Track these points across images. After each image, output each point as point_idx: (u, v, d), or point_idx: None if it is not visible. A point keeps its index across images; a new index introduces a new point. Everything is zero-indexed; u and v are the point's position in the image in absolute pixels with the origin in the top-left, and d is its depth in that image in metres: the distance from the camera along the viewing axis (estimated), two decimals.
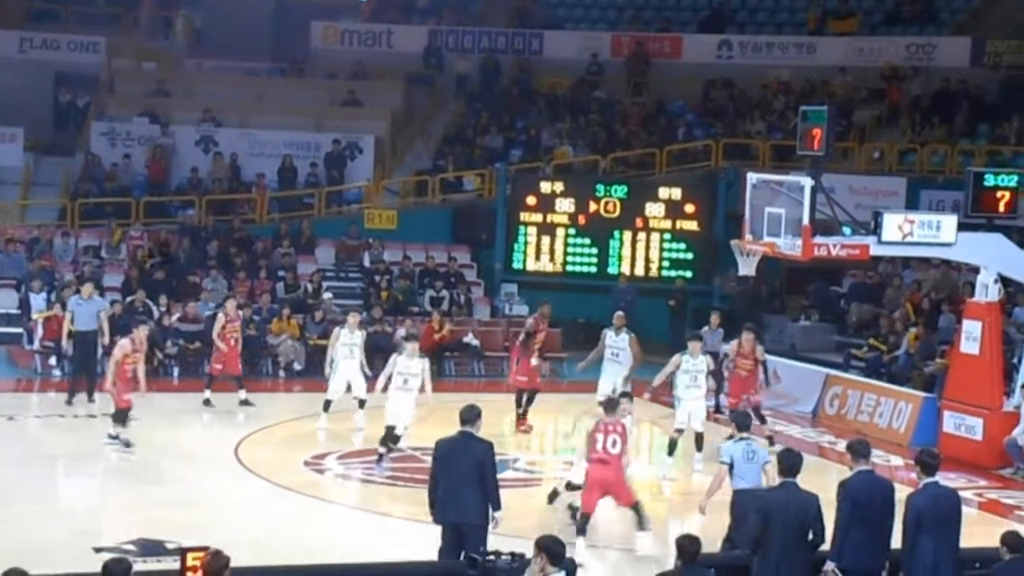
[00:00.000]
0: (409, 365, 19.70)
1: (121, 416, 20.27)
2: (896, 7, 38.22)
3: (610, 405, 16.62)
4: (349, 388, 22.36)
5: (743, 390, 21.89)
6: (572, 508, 16.66)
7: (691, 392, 20.13)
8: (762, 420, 21.97)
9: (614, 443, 15.99)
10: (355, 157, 35.17)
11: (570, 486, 16.99)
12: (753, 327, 23.11)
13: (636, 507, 16.19)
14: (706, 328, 24.43)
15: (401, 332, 23.33)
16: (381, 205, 33.90)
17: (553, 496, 17.28)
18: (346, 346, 22.40)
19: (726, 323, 26.93)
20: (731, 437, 15.69)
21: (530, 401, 22.92)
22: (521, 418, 22.80)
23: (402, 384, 19.71)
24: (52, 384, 25.43)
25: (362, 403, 22.25)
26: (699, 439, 20.47)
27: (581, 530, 15.99)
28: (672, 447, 20.31)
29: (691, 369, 20.24)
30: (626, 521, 16.79)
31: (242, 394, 23.91)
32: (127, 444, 20.18)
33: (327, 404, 22.41)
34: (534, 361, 22.92)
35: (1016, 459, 21.29)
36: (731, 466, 14.61)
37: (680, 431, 20.30)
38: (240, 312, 24.85)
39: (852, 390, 25.07)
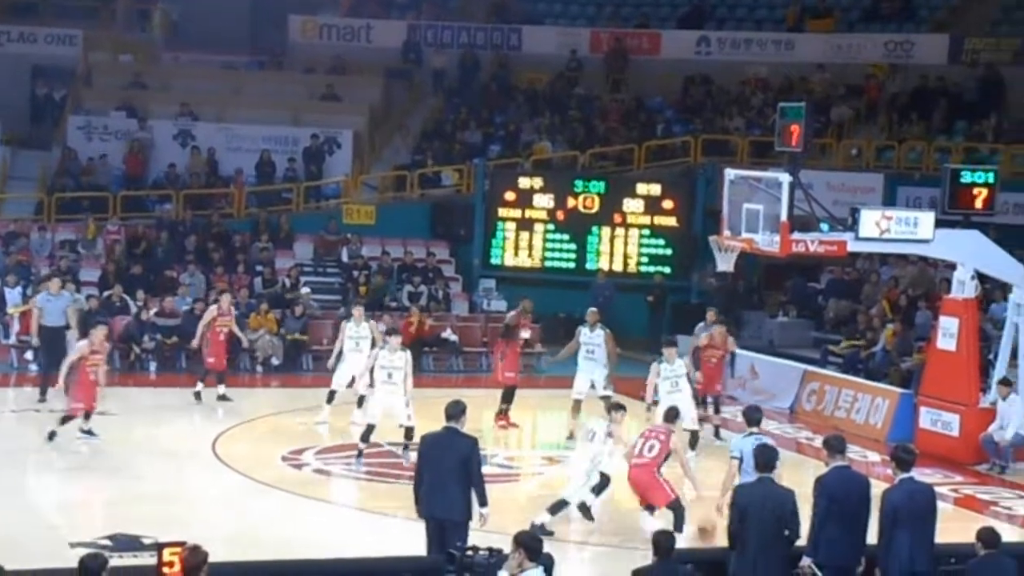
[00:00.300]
0: (392, 359, 19.61)
1: (66, 420, 20.07)
2: (874, 4, 38.31)
3: (669, 415, 17.20)
4: (352, 383, 22.09)
5: (709, 379, 22.16)
6: (584, 507, 16.83)
7: (674, 396, 20.02)
8: (716, 410, 22.23)
9: (651, 448, 16.22)
10: (333, 152, 35.13)
11: (583, 507, 16.93)
12: (725, 320, 23.50)
13: (673, 506, 16.16)
14: (701, 324, 24.39)
15: (382, 327, 23.18)
16: (359, 200, 33.84)
17: (586, 511, 17.08)
18: (352, 339, 22.32)
19: (702, 319, 27.02)
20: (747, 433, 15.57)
21: (510, 399, 22.83)
22: (504, 414, 22.73)
23: (387, 378, 19.64)
24: (28, 379, 25.33)
25: (361, 400, 22.05)
26: (693, 437, 20.43)
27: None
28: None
29: (671, 375, 20.18)
30: (608, 515, 16.83)
31: (221, 389, 23.83)
32: (90, 433, 20.12)
33: (331, 395, 22.31)
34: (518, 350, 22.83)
35: (992, 455, 21.37)
36: (740, 460, 14.57)
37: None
38: (233, 308, 24.79)
39: (829, 386, 25.13)
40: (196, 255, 30.69)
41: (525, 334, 23.69)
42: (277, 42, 40.23)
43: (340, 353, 22.40)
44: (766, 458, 12.70)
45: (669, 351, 20.29)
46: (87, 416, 20.18)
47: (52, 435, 19.91)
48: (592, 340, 21.92)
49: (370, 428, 19.59)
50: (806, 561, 12.35)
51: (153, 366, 27.13)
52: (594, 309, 22.72)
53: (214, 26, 39.89)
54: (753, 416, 15.38)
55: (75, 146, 34.35)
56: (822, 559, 12.35)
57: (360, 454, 19.54)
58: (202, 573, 9.94)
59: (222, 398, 23.74)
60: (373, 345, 21.75)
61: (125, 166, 34.19)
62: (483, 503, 13.28)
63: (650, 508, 16.34)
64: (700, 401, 22.07)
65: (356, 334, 22.32)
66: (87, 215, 31.66)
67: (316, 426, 22.02)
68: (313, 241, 32.71)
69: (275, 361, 27.67)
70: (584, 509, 16.78)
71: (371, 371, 20.00)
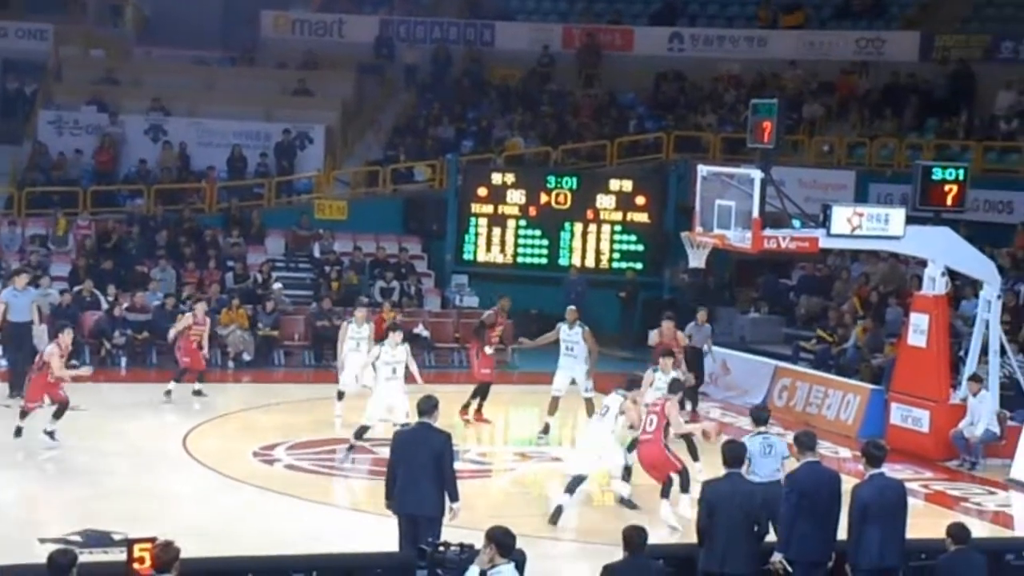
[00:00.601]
0: (394, 354, 19.63)
1: (24, 415, 20.02)
2: (846, 2, 38.40)
3: (673, 387, 17.57)
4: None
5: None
6: (622, 500, 17.05)
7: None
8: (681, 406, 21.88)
9: (651, 422, 16.66)
10: (305, 147, 35.05)
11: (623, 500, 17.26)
12: (673, 316, 23.71)
13: (681, 471, 16.59)
14: (692, 324, 24.35)
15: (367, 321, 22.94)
16: (331, 195, 33.75)
17: (627, 505, 17.26)
18: (353, 339, 22.18)
19: (673, 315, 26.91)
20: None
21: (484, 395, 22.78)
22: (478, 410, 22.70)
23: (391, 374, 19.52)
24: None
25: (341, 395, 22.03)
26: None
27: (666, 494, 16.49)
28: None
29: (663, 386, 20.07)
30: (584, 514, 16.85)
31: (196, 384, 23.75)
32: (52, 436, 19.93)
33: (340, 395, 22.16)
34: (488, 350, 22.77)
35: (962, 451, 21.45)
36: (749, 460, 14.51)
37: None
38: (207, 318, 24.62)
39: (801, 382, 25.20)
40: (167, 250, 30.58)
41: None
42: (249, 37, 40.11)
43: (343, 356, 22.16)
44: (734, 453, 12.72)
45: (664, 361, 19.81)
46: (56, 416, 20.01)
47: (18, 431, 19.90)
48: (571, 337, 21.80)
49: (364, 428, 19.43)
50: (777, 557, 12.39)
51: (124, 361, 27.01)
52: (573, 307, 22.64)
53: (186, 21, 39.78)
54: (760, 415, 15.28)
55: (46, 141, 34.19)
56: (793, 555, 12.39)
57: (351, 448, 19.40)
58: (174, 569, 9.92)
59: (197, 393, 23.64)
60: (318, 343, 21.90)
61: (96, 161, 34.05)
62: (454, 498, 13.27)
63: (666, 492, 16.40)
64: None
65: (357, 335, 22.18)
66: (57, 210, 31.52)
67: (334, 419, 22.00)
68: (285, 236, 32.63)
69: (246, 357, 27.59)
70: (625, 501, 17.06)
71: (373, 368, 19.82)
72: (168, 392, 23.52)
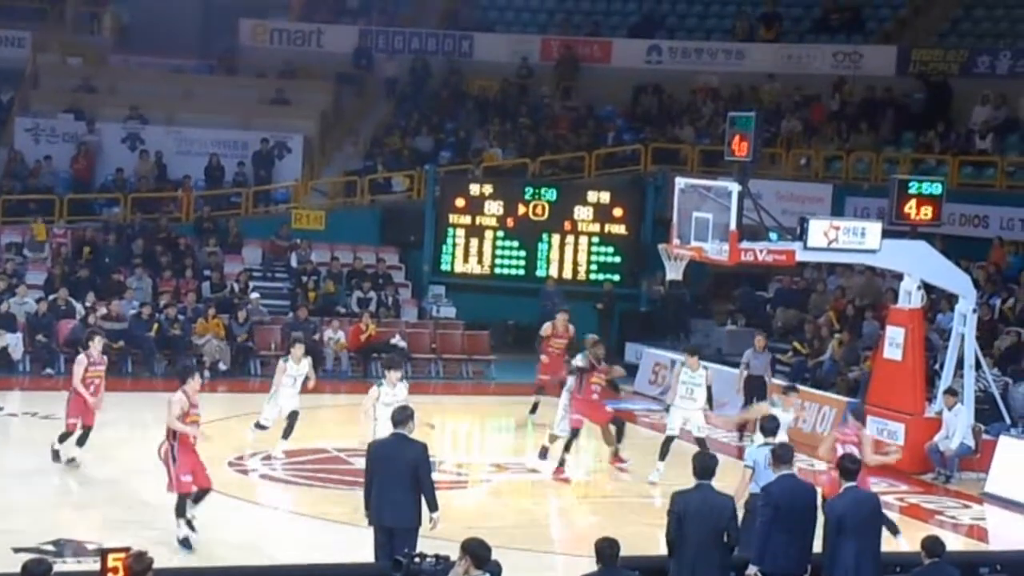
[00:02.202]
0: (394, 394, 18.12)
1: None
2: (824, 15, 38.53)
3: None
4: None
5: (555, 369, 22.85)
6: None
7: (686, 403, 20.06)
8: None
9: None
10: (283, 156, 35.01)
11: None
12: (567, 310, 24.61)
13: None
14: (750, 350, 24.15)
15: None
16: (309, 205, 33.72)
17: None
18: (290, 376, 20.44)
19: (651, 327, 27.01)
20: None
21: (620, 434, 20.60)
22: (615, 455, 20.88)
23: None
24: None
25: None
26: (701, 443, 20.24)
27: None
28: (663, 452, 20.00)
29: (688, 381, 20.09)
30: (558, 527, 16.82)
31: (74, 451, 19.52)
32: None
33: (257, 425, 20.83)
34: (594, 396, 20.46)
35: (937, 464, 21.51)
36: (754, 470, 14.50)
37: (671, 438, 20.11)
38: (104, 357, 20.20)
39: (777, 395, 25.15)
40: (144, 259, 30.50)
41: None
42: (227, 46, 40.04)
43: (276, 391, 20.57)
44: (704, 464, 12.69)
45: (692, 360, 20.12)
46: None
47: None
48: (693, 380, 20.38)
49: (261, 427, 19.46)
50: (752, 570, 12.39)
51: None
52: (691, 352, 20.91)
53: (164, 29, 39.67)
54: (769, 427, 15.19)
55: (22, 148, 34.08)
56: (768, 568, 12.38)
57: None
58: None
59: (70, 461, 19.53)
60: (306, 380, 20.54)
61: (73, 169, 33.94)
62: (433, 508, 13.24)
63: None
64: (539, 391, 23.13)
65: (296, 372, 20.57)
66: (35, 218, 31.39)
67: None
68: (262, 246, 32.58)
69: (222, 366, 27.54)
70: None
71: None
72: (56, 454, 19.51)
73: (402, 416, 13.40)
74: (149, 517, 16.77)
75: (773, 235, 20.65)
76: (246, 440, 20.62)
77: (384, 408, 17.71)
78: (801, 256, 20.99)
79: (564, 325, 23.96)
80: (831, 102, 35.15)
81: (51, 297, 27.80)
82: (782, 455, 12.96)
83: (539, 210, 32.44)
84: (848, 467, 12.80)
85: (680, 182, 21.37)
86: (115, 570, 9.74)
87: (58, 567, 10.72)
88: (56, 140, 34.36)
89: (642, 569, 12.55)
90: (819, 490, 13.69)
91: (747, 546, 12.66)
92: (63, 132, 34.48)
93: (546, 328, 24.07)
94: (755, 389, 23.31)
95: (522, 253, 32.53)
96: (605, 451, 20.56)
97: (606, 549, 11.19)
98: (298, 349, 20.84)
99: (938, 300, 25.24)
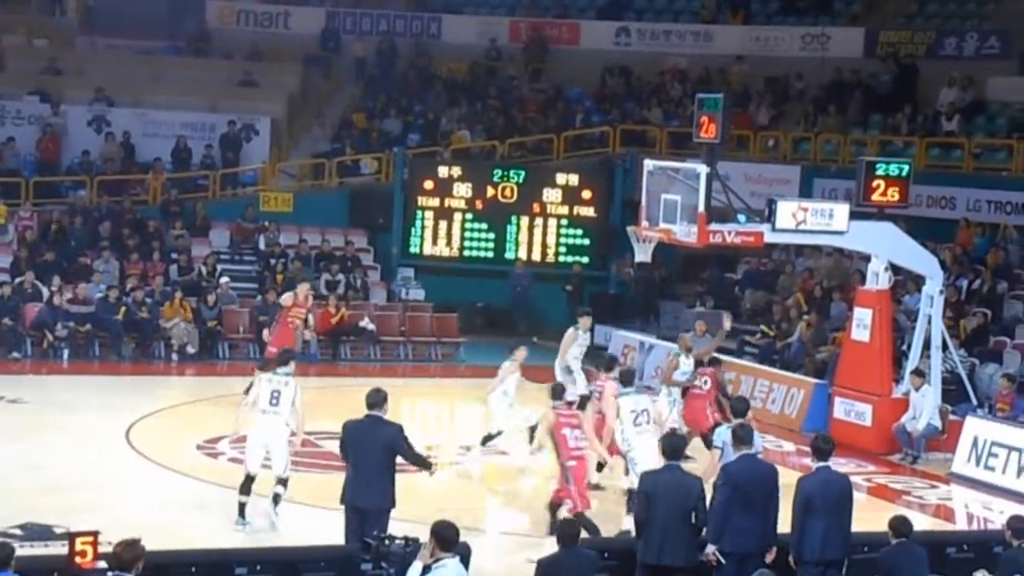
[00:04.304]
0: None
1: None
2: None
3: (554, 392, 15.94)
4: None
5: (286, 340, 21.83)
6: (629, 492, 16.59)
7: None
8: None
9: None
10: (251, 139, 34.85)
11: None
12: (308, 279, 25.32)
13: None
14: (691, 334, 24.11)
15: None
16: (277, 188, 33.62)
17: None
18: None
19: (620, 309, 26.83)
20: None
21: None
22: None
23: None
24: None
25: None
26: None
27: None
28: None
29: (687, 371, 20.03)
30: (525, 509, 16.82)
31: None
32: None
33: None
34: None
35: (904, 445, 21.63)
36: (722, 451, 14.51)
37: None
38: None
39: (745, 376, 25.29)
40: (110, 242, 30.35)
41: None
42: (194, 27, 39.83)
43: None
44: (672, 446, 12.75)
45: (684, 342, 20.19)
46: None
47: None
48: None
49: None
50: (710, 549, 12.40)
51: (66, 354, 26.77)
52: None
53: (131, 11, 39.41)
54: (739, 407, 15.20)
55: None
56: (726, 547, 12.39)
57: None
58: (134, 569, 9.77)
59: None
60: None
61: (38, 152, 33.72)
62: (427, 467, 13.70)
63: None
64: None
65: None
66: None
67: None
68: (230, 229, 32.46)
69: (190, 349, 27.45)
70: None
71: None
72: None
73: (377, 398, 13.38)
74: (118, 501, 16.72)
75: (741, 217, 20.67)
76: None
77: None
78: (769, 238, 21.03)
79: (305, 295, 23.20)
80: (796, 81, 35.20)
81: (17, 280, 27.63)
82: (743, 436, 13.00)
83: (508, 192, 32.42)
84: (821, 447, 12.85)
85: (649, 164, 21.38)
86: (83, 553, 9.71)
87: (24, 551, 10.68)
88: (21, 122, 34.12)
89: (608, 551, 12.59)
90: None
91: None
92: (28, 114, 34.23)
93: (286, 298, 23.01)
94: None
95: (491, 235, 32.51)
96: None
97: (566, 530, 11.29)
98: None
99: (905, 281, 25.34)
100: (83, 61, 37.65)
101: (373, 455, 13.15)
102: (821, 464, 12.73)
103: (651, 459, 14.89)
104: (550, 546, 11.98)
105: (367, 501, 13.13)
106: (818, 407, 23.33)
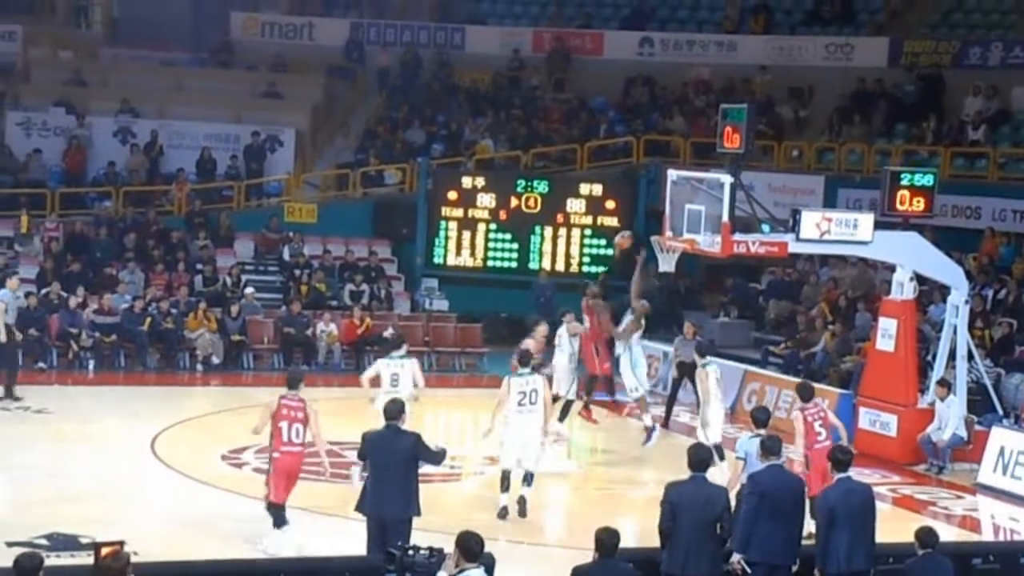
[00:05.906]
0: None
1: None
2: (815, 7, 38.53)
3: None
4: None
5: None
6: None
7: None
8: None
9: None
10: (275, 150, 34.94)
11: None
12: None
13: None
14: (680, 338, 24.26)
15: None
16: (301, 198, 33.70)
17: None
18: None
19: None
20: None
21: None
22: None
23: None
24: None
25: None
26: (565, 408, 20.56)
27: None
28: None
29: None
30: (551, 518, 16.80)
31: None
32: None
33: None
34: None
35: (930, 456, 21.54)
36: (745, 461, 14.45)
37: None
38: None
39: (770, 386, 25.22)
40: (136, 252, 30.46)
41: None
42: (218, 39, 39.98)
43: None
44: (699, 457, 12.69)
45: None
46: None
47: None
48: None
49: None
50: (736, 558, 12.37)
51: (91, 364, 26.85)
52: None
53: (155, 22, 39.64)
54: (760, 417, 15.15)
55: (13, 142, 33.99)
56: (753, 556, 12.36)
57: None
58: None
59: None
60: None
61: (64, 163, 33.87)
62: (443, 456, 13.99)
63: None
64: None
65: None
66: (22, 210, 31.27)
67: None
68: (254, 239, 32.53)
69: (215, 360, 27.49)
70: None
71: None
72: None
73: (395, 409, 13.50)
74: (142, 511, 16.76)
75: (765, 227, 20.64)
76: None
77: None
78: (793, 248, 20.99)
79: None
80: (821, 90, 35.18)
81: (43, 291, 27.73)
82: (771, 447, 12.98)
83: (531, 202, 32.41)
84: (840, 458, 12.81)
85: (672, 174, 21.38)
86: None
87: (51, 561, 10.70)
88: (47, 134, 34.29)
89: (634, 560, 12.56)
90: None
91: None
92: (54, 126, 34.39)
93: None
94: (685, 373, 23.35)
95: (515, 246, 32.50)
96: (600, 444, 20.53)
97: (606, 540, 11.06)
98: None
99: (930, 291, 25.26)
100: (108, 72, 37.81)
101: (394, 464, 13.24)
102: (841, 475, 12.69)
103: (518, 439, 17.01)
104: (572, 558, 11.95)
105: (388, 511, 13.17)
106: (843, 417, 23.07)
